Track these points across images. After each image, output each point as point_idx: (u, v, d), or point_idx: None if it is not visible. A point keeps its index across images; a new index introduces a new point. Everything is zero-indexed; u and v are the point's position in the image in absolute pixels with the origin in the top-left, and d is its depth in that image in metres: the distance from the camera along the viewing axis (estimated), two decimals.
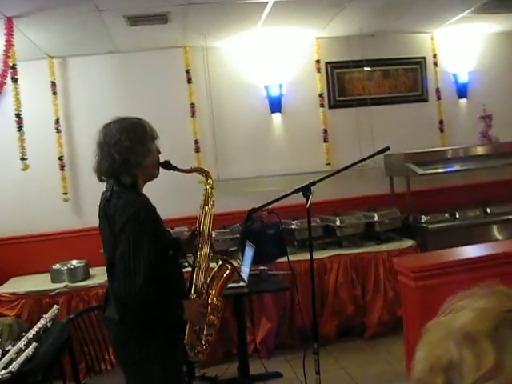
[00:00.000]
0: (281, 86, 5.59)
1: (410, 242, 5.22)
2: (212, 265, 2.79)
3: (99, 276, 4.92)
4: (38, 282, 4.93)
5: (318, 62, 5.69)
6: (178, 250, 2.77)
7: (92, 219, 5.45)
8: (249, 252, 4.16)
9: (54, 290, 4.70)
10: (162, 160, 2.66)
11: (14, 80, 4.38)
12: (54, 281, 4.86)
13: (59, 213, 5.35)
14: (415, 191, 5.51)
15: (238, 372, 4.41)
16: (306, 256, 5.17)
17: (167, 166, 2.66)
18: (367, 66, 5.78)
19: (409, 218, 5.44)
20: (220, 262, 2.85)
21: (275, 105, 5.61)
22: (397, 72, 5.90)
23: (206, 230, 2.74)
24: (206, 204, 2.78)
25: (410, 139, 5.76)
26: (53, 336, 3.04)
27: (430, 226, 5.21)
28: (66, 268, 4.90)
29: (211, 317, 2.64)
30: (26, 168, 4.52)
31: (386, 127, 5.81)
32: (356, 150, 5.75)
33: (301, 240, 5.29)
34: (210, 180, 2.79)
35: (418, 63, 5.94)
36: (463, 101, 6.05)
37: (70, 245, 5.23)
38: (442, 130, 6.00)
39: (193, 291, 2.63)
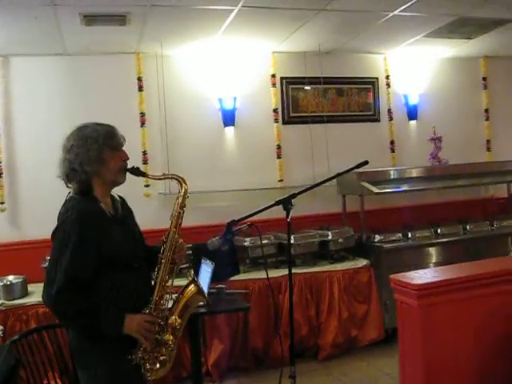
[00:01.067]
0: (235, 99, 5.43)
1: (364, 262, 5.15)
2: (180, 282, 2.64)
3: (39, 293, 4.48)
4: None
5: (273, 76, 5.59)
6: (148, 262, 2.57)
7: (31, 231, 5.17)
8: (206, 269, 3.93)
9: None
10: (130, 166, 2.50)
11: None
12: None
13: None
14: (367, 210, 5.48)
15: None
16: (259, 274, 5.06)
17: (136, 172, 2.52)
18: (310, 84, 5.74)
19: (362, 237, 5.39)
20: (189, 280, 2.63)
21: (228, 118, 5.44)
22: (351, 91, 5.89)
23: (169, 242, 2.51)
24: (174, 212, 2.54)
25: (362, 158, 5.67)
26: None
27: (385, 246, 5.16)
28: (1, 284, 4.47)
29: (167, 336, 2.46)
30: None
31: (339, 145, 5.79)
32: (309, 167, 5.69)
33: (253, 258, 5.11)
34: (183, 187, 2.56)
35: (372, 83, 5.97)
36: (413, 122, 6.14)
37: (6, 259, 4.80)
38: (393, 150, 6.04)
39: (152, 305, 2.45)
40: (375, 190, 5.16)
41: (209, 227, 5.06)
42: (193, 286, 2.59)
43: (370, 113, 5.98)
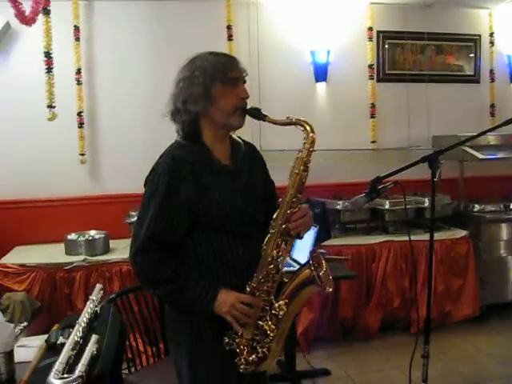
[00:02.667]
0: (328, 52, 5.04)
1: (463, 232, 4.79)
2: None
3: (120, 250, 4.33)
4: (50, 254, 4.28)
5: (370, 29, 5.17)
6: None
7: (112, 185, 4.96)
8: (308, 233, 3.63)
9: (71, 263, 4.08)
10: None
11: (46, 11, 3.72)
12: (68, 253, 4.25)
13: (74, 176, 4.70)
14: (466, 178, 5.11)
15: (280, 367, 3.92)
16: (351, 240, 4.74)
17: (254, 114, 2.05)
18: (408, 39, 5.29)
19: (460, 205, 5.02)
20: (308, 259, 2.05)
21: (321, 73, 5.06)
22: (450, 48, 5.44)
23: (283, 208, 2.01)
24: (294, 170, 2.02)
25: (458, 122, 5.33)
26: (108, 325, 2.34)
27: (487, 216, 4.79)
28: (83, 239, 4.28)
29: (268, 324, 2.00)
30: (53, 117, 3.88)
31: (435, 107, 5.37)
32: (404, 129, 5.30)
33: (345, 223, 4.81)
34: (310, 137, 2.01)
35: (473, 41, 5.49)
36: None
37: (88, 213, 4.61)
38: (492, 115, 5.58)
39: (253, 284, 1.99)
40: (480, 156, 4.76)
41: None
42: (308, 271, 2.01)
43: (469, 73, 5.52)
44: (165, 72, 4.80)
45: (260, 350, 2.01)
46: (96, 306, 2.42)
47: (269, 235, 2.00)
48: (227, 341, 1.99)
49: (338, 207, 4.71)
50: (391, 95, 5.31)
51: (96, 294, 2.56)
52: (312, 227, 3.39)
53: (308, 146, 2.00)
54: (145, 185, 2.02)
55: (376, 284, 4.53)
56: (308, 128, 2.01)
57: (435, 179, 2.52)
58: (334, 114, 5.17)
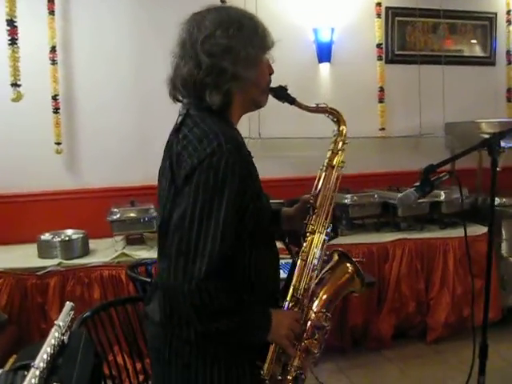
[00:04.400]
0: (332, 30, 4.55)
1: (483, 229, 4.32)
2: None
3: (102, 252, 3.83)
4: (20, 257, 3.75)
5: (378, 5, 4.67)
6: (275, 230, 1.82)
7: (91, 178, 4.41)
8: None
9: (44, 268, 3.53)
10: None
11: None
12: (41, 256, 3.72)
13: (49, 167, 4.14)
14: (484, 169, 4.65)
15: None
16: (361, 238, 4.18)
17: (283, 94, 1.74)
18: (420, 17, 4.80)
19: (478, 199, 4.56)
20: (336, 257, 1.88)
21: (324, 53, 4.57)
22: (465, 28, 4.97)
23: (326, 204, 1.79)
24: (330, 165, 1.85)
25: (472, 107, 4.89)
26: (77, 363, 1.72)
27: (510, 211, 4.34)
28: (58, 240, 3.74)
29: (308, 340, 1.69)
30: (19, 98, 3.34)
31: (448, 91, 4.90)
32: (415, 115, 4.83)
33: (353, 218, 4.33)
34: (342, 129, 1.89)
35: (489, 19, 5.03)
36: None
37: (64, 209, 4.08)
38: (509, 100, 5.13)
39: (289, 297, 1.69)
40: (502, 143, 4.29)
41: (295, 180, 4.35)
42: (348, 264, 1.85)
43: (485, 54, 5.06)
44: (148, 51, 4.38)
45: (299, 376, 1.68)
46: (63, 334, 1.82)
47: (312, 238, 1.74)
48: (261, 371, 1.60)
49: (346, 201, 4.23)
50: (401, 78, 4.83)
51: (64, 318, 1.90)
52: None
53: (342, 138, 1.88)
54: (188, 178, 1.43)
55: (389, 287, 4.05)
56: (340, 117, 1.88)
57: (498, 169, 2.05)
58: (339, 98, 4.64)
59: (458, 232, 4.30)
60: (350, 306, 3.98)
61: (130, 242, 3.94)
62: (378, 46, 4.71)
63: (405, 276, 4.08)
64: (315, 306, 1.74)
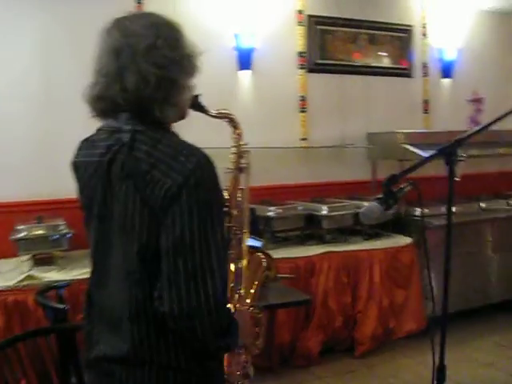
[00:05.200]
0: (253, 36, 4.39)
1: (407, 239, 4.31)
2: None
3: (5, 274, 3.39)
4: None
5: (300, 12, 4.58)
6: None
7: None
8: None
9: None
10: None
11: None
12: None
13: None
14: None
15: None
16: (285, 253, 4.00)
17: (196, 104, 1.67)
18: (341, 26, 4.76)
19: (400, 210, 4.54)
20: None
21: (245, 60, 4.41)
22: (384, 39, 4.98)
23: (243, 206, 1.82)
24: (236, 168, 1.82)
25: (391, 117, 4.92)
26: None
27: (431, 221, 4.33)
28: None
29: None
30: None
31: (368, 101, 4.90)
32: (337, 125, 4.77)
33: (276, 231, 4.18)
34: (240, 132, 1.82)
35: (406, 31, 5.07)
36: (448, 80, 5.31)
37: None
38: (426, 111, 5.20)
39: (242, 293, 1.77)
40: (423, 154, 4.31)
41: None
42: (260, 255, 1.97)
43: (402, 66, 5.10)
44: (59, 57, 4.04)
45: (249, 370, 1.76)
46: None
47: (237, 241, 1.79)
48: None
49: (270, 214, 4.07)
50: (323, 87, 4.75)
51: None
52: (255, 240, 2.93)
53: (238, 143, 1.82)
54: (179, 193, 1.32)
55: (316, 302, 3.92)
56: (235, 122, 1.81)
57: (456, 178, 1.95)
58: (260, 106, 4.51)
59: (382, 243, 4.26)
60: (276, 323, 3.81)
61: (38, 262, 3.54)
62: (300, 54, 4.61)
63: (332, 290, 3.97)
64: (248, 301, 1.78)
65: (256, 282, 1.89)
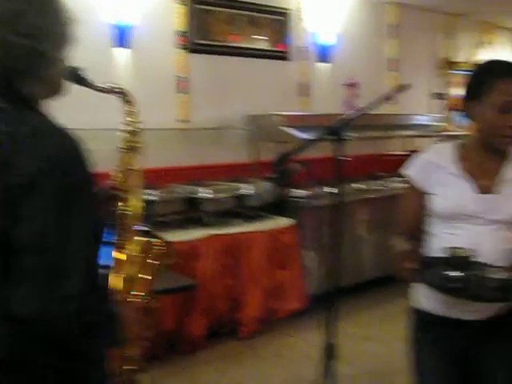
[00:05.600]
0: (131, 11, 4.18)
1: (287, 221, 4.37)
2: None
3: None
4: None
5: None
6: None
7: None
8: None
9: None
10: None
11: None
12: None
13: None
14: None
15: None
16: (168, 237, 3.96)
17: (77, 77, 1.59)
18: (221, 6, 4.69)
19: (280, 191, 4.58)
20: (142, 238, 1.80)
21: (122, 37, 4.19)
22: (263, 21, 4.96)
23: (136, 187, 1.77)
24: (127, 147, 1.76)
25: (270, 100, 4.95)
26: None
27: (310, 202, 4.42)
28: None
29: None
30: None
31: (247, 84, 4.90)
32: (217, 107, 4.72)
33: (157, 215, 4.05)
34: (133, 109, 1.77)
35: (284, 15, 5.10)
36: (325, 65, 5.42)
37: None
38: (303, 94, 5.28)
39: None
40: (303, 136, 4.37)
41: None
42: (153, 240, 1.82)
43: (281, 49, 5.13)
44: None
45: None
46: None
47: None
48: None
49: (150, 198, 3.94)
50: (203, 68, 4.66)
51: None
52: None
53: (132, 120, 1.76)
54: (35, 181, 1.16)
55: (199, 286, 3.86)
56: (132, 99, 1.75)
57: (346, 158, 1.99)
58: (138, 87, 4.15)
59: (263, 225, 4.29)
60: (159, 310, 3.71)
61: None
62: (180, 33, 4.48)
63: (214, 273, 3.93)
64: (138, 290, 1.71)
65: (150, 270, 1.79)
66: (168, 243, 1.90)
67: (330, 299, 2.25)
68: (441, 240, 1.81)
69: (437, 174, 1.85)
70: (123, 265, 1.69)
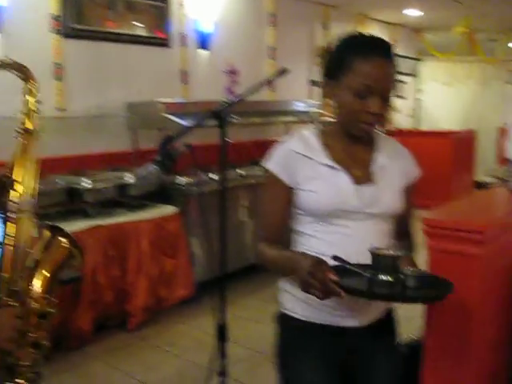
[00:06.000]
0: None
1: (172, 208, 4.36)
2: None
3: None
4: None
5: None
6: None
7: None
8: None
9: None
10: None
11: None
12: None
13: None
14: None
15: None
16: None
17: None
18: None
19: (163, 179, 4.55)
20: (47, 234, 1.83)
21: None
22: (142, 6, 4.85)
23: (28, 178, 1.72)
24: (25, 129, 1.68)
25: (151, 87, 4.90)
26: None
27: (193, 189, 4.44)
28: None
29: (35, 333, 1.66)
30: None
31: (127, 71, 4.80)
32: (96, 95, 4.59)
33: (40, 207, 3.87)
34: (32, 87, 1.73)
35: (164, 1, 5.02)
36: (205, 52, 5.42)
37: None
38: (184, 81, 5.25)
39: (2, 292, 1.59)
40: (185, 123, 4.36)
41: None
42: (63, 239, 1.81)
43: (161, 36, 5.05)
44: None
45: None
46: None
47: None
48: None
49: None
50: (81, 54, 4.47)
51: None
52: None
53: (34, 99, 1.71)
54: None
55: (85, 279, 3.76)
56: (30, 75, 1.71)
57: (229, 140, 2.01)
58: (10, 73, 4.11)
59: (148, 214, 4.25)
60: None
61: None
62: (54, 17, 4.26)
63: (100, 265, 3.84)
64: (34, 293, 1.67)
65: (50, 270, 1.74)
66: (75, 241, 1.84)
67: (218, 285, 2.30)
68: (317, 241, 1.59)
69: (306, 165, 1.59)
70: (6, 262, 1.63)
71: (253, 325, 4.06)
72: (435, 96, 10.40)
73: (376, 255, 1.44)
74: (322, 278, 1.35)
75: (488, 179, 7.28)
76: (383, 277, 1.41)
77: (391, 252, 1.45)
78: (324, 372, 1.60)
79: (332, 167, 1.57)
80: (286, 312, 1.67)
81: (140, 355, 3.68)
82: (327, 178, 1.56)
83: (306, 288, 1.39)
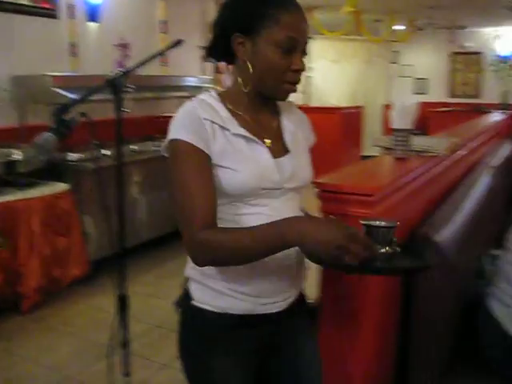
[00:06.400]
0: None
1: (63, 186, 4.22)
2: None
3: None
4: None
5: None
6: None
7: None
8: None
9: None
10: None
11: None
12: None
13: None
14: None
15: None
16: None
17: None
18: None
19: (54, 156, 4.38)
20: None
21: None
22: None
23: None
24: None
25: (39, 60, 4.68)
26: None
27: (85, 165, 4.33)
28: None
29: None
30: None
31: (12, 41, 4.56)
32: None
33: None
34: None
35: None
36: (95, 24, 5.24)
37: None
38: (73, 54, 5.05)
39: None
40: (74, 97, 4.22)
41: None
42: None
43: (47, 6, 4.82)
44: None
45: None
46: None
47: None
48: None
49: None
50: None
51: None
52: None
53: None
54: None
55: None
56: None
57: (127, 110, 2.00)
58: None
59: (38, 192, 4.09)
60: None
61: None
62: None
63: None
64: None
65: None
66: None
67: (116, 261, 2.30)
68: (234, 225, 1.37)
69: (218, 135, 1.36)
70: None
71: (152, 300, 4.06)
72: (324, 73, 10.72)
73: (372, 227, 1.35)
74: (363, 241, 1.22)
75: (374, 153, 7.65)
76: (388, 249, 1.34)
77: (385, 223, 1.36)
78: (236, 367, 1.47)
79: (248, 139, 1.38)
80: (195, 303, 1.47)
81: (36, 337, 3.58)
82: (245, 153, 1.37)
83: (338, 258, 1.19)
